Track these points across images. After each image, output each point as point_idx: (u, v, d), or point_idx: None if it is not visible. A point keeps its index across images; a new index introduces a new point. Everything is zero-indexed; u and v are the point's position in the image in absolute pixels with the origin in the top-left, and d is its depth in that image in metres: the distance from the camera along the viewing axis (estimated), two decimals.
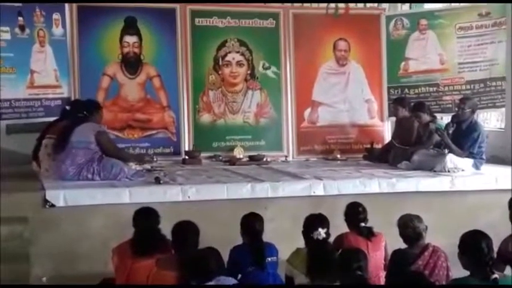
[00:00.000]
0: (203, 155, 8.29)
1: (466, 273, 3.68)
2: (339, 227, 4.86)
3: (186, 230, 4.25)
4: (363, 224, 4.82)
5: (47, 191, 5.82)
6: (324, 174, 6.98)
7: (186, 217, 4.47)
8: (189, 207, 5.96)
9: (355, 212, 4.87)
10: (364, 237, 4.75)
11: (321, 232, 4.28)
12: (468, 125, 7.23)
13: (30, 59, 7.65)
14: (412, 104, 8.09)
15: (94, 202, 5.86)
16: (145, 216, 4.67)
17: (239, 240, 4.74)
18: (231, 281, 3.68)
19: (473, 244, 3.61)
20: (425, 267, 4.25)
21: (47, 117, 7.53)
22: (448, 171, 6.97)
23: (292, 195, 6.35)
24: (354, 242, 4.67)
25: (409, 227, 4.41)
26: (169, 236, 4.44)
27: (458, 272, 3.88)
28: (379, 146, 8.62)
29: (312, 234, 4.29)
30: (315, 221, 4.39)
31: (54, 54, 7.90)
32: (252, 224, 4.71)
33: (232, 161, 8.12)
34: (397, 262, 4.32)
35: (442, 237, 4.92)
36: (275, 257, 4.69)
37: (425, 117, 7.68)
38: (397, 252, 4.40)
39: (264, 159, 8.21)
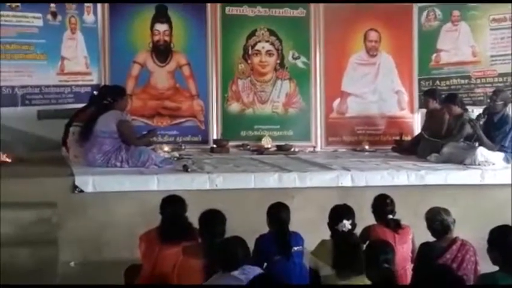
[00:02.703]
0: (231, 143, 8.31)
1: (495, 268, 3.63)
2: (365, 218, 4.82)
3: (213, 219, 4.25)
4: (390, 216, 4.77)
5: (76, 177, 5.87)
6: (352, 165, 6.93)
7: (212, 205, 4.47)
8: (216, 195, 5.96)
9: (382, 204, 4.83)
10: (392, 230, 4.70)
11: (346, 224, 4.25)
12: (500, 118, 7.12)
13: (62, 45, 7.72)
14: (443, 96, 8.00)
15: (122, 189, 5.89)
16: (173, 204, 4.67)
17: (265, 230, 4.72)
18: (257, 270, 3.67)
19: (502, 239, 3.55)
20: (453, 261, 4.19)
21: (77, 104, 7.59)
22: (479, 165, 6.86)
23: (320, 185, 6.32)
24: (381, 234, 4.63)
25: (437, 220, 4.35)
26: (195, 224, 4.46)
27: (487, 266, 3.84)
28: (409, 137, 8.53)
29: (337, 225, 4.26)
30: (340, 213, 4.35)
31: (85, 41, 7.98)
32: (278, 213, 4.69)
33: (260, 151, 8.12)
34: (424, 255, 4.27)
35: (470, 231, 4.87)
36: (301, 247, 4.67)
37: (457, 110, 7.57)
38: (424, 245, 4.35)
39: (292, 150, 8.18)
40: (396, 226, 4.74)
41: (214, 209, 4.34)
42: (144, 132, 7.12)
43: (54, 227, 5.56)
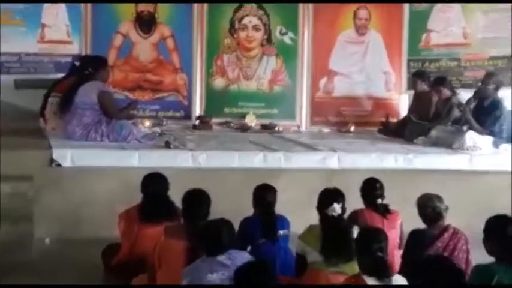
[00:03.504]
0: (214, 120, 8.11)
1: (487, 257, 3.50)
2: (352, 202, 4.66)
3: (197, 199, 4.09)
4: (379, 201, 4.67)
5: (54, 150, 5.67)
6: (339, 146, 6.76)
7: (195, 184, 4.33)
8: (199, 173, 5.80)
9: (371, 188, 4.72)
10: (380, 215, 4.61)
11: (336, 208, 4.10)
12: (491, 102, 6.98)
13: (42, 12, 7.44)
14: (432, 78, 7.85)
15: (102, 164, 5.71)
16: (154, 182, 4.57)
17: (249, 210, 4.59)
18: (243, 255, 3.51)
19: (500, 229, 3.41)
20: (444, 249, 4.08)
21: (57, 74, 7.36)
22: (467, 149, 6.75)
23: (305, 166, 6.16)
24: (370, 219, 4.55)
25: (428, 206, 4.23)
26: (178, 204, 4.30)
27: (478, 255, 3.73)
28: (395, 119, 8.38)
29: (327, 209, 4.11)
30: (330, 196, 4.19)
31: (67, 8, 7.70)
32: (264, 195, 4.59)
33: (244, 128, 7.95)
34: (415, 243, 4.15)
35: (459, 217, 4.72)
36: (287, 230, 4.57)
37: (446, 92, 7.42)
38: (415, 233, 4.22)
39: (276, 128, 8.01)
40: (385, 211, 4.65)
41: (199, 189, 4.17)
42: (124, 105, 6.87)
43: (29, 202, 5.39)
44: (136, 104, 7.09)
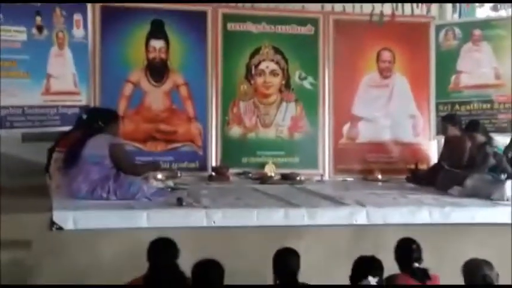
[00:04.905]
0: (231, 171, 7.66)
1: None
2: (383, 262, 4.14)
3: (210, 273, 3.60)
4: (416, 265, 4.21)
5: (55, 212, 5.17)
6: (366, 198, 6.21)
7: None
8: (213, 233, 5.32)
9: (408, 251, 4.26)
10: (419, 281, 4.14)
11: (372, 281, 3.60)
12: None
13: (47, 62, 7.06)
14: (464, 122, 7.36)
15: (107, 225, 5.21)
16: (162, 249, 4.08)
17: (269, 274, 4.12)
18: None
19: None
20: None
21: (63, 126, 6.92)
22: (507, 200, 6.19)
23: (331, 223, 5.63)
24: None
25: (477, 275, 3.72)
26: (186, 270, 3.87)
27: None
28: (424, 166, 7.88)
29: (361, 282, 3.59)
30: (365, 267, 3.71)
31: (74, 57, 7.29)
32: (286, 261, 4.13)
33: (263, 179, 7.47)
34: None
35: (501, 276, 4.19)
36: None
37: (480, 138, 6.92)
38: None
39: (298, 178, 7.51)
40: (424, 276, 4.18)
41: (211, 260, 3.71)
42: (147, 162, 6.45)
43: (28, 270, 4.91)
44: (158, 166, 6.66)
